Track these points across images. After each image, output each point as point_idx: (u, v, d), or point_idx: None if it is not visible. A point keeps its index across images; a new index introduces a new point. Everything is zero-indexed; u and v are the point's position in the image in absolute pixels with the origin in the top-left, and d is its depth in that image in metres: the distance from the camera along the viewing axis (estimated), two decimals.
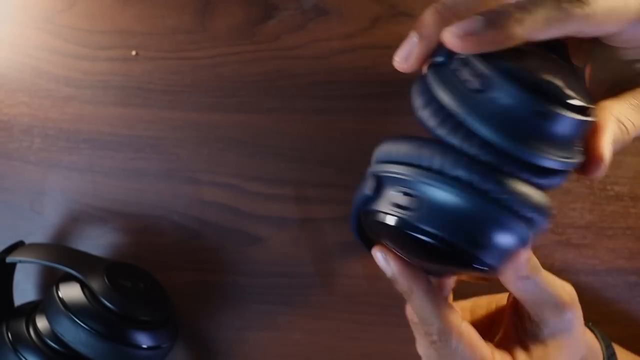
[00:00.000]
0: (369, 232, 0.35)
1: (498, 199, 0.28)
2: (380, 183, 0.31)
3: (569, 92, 0.29)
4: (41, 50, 0.55)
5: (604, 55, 0.34)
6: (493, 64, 0.28)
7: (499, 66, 0.28)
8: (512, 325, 0.38)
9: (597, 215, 0.50)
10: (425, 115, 0.30)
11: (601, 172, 0.30)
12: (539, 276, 0.34)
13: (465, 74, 0.29)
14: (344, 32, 0.52)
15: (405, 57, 0.31)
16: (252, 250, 0.54)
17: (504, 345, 0.37)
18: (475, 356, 0.34)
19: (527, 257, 0.33)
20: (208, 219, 0.54)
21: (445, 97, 0.29)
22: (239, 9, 0.53)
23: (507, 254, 0.31)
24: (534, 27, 0.28)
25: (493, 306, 0.43)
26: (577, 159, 0.30)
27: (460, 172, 0.28)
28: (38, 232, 0.56)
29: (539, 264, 0.34)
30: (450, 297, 0.40)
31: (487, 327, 0.41)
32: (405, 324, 0.47)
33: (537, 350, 0.35)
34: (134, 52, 0.54)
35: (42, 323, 0.49)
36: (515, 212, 0.29)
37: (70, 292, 0.48)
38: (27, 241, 0.53)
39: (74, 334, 0.47)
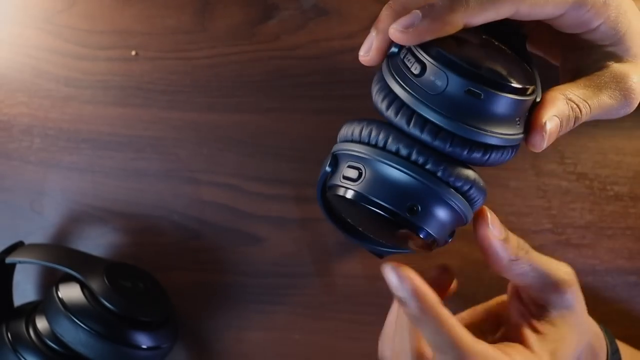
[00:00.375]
0: (337, 211, 0.38)
1: (433, 171, 0.32)
2: (336, 159, 0.35)
3: (500, 73, 0.31)
4: (41, 50, 0.55)
5: (568, 45, 0.36)
6: (430, 50, 0.31)
7: (435, 51, 0.31)
8: (519, 313, 0.38)
9: (597, 215, 0.50)
10: (378, 99, 0.33)
11: (543, 143, 0.32)
12: (531, 257, 0.36)
13: (409, 61, 0.32)
14: (344, 32, 0.52)
15: (366, 50, 0.34)
16: (252, 250, 0.54)
17: (513, 334, 0.37)
18: None
19: (487, 212, 0.35)
20: (208, 219, 0.54)
21: (391, 82, 0.32)
22: (238, 9, 0.53)
23: (443, 222, 0.33)
24: (469, 13, 0.30)
25: (493, 303, 0.43)
26: (516, 135, 0.32)
27: (399, 147, 0.32)
28: (38, 232, 0.56)
29: (527, 245, 0.36)
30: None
31: (493, 323, 0.41)
32: None
33: (549, 332, 0.36)
34: (133, 52, 0.54)
35: (41, 323, 0.49)
36: (448, 183, 0.32)
37: (70, 292, 0.48)
38: (27, 241, 0.53)
39: (74, 335, 0.47)
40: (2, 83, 0.56)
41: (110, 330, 0.47)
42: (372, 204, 0.33)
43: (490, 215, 0.35)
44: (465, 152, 0.31)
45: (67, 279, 0.50)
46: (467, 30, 0.33)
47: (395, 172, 0.32)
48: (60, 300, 0.48)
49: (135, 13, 0.54)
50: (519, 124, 0.32)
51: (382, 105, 0.33)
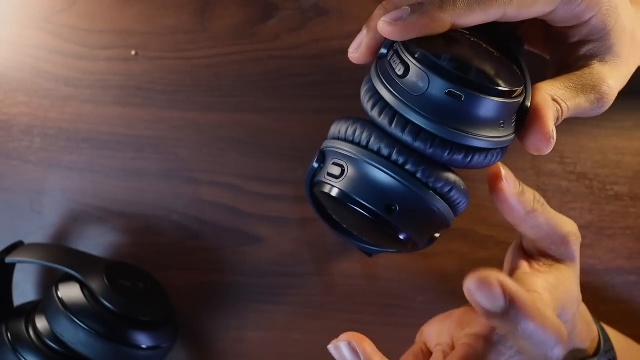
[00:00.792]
0: (326, 208, 0.38)
1: (412, 172, 0.32)
2: (324, 156, 0.35)
3: (483, 75, 0.31)
4: (41, 50, 0.55)
5: (555, 38, 0.37)
6: (414, 51, 0.31)
7: (419, 53, 0.31)
8: (526, 262, 0.39)
9: (597, 215, 0.50)
10: (364, 100, 0.33)
11: (549, 148, 0.32)
12: (545, 210, 0.37)
13: (394, 62, 0.32)
14: (344, 32, 0.52)
15: (356, 47, 0.34)
16: (252, 250, 0.54)
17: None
18: None
19: (502, 168, 0.35)
20: (208, 219, 0.54)
21: (377, 83, 0.33)
22: (238, 8, 0.53)
23: (422, 223, 0.34)
24: (457, 13, 0.31)
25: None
26: (500, 138, 0.32)
27: (380, 147, 0.32)
28: (38, 232, 0.56)
29: (543, 199, 0.37)
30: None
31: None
32: (404, 324, 0.47)
33: (551, 278, 0.37)
34: (133, 52, 0.54)
35: (41, 323, 0.49)
36: (427, 184, 0.32)
37: (70, 292, 0.48)
38: (26, 241, 0.53)
39: (74, 334, 0.47)
40: (2, 83, 0.56)
41: (110, 330, 0.47)
42: (352, 201, 0.33)
43: (504, 171, 0.35)
44: (446, 154, 0.31)
45: (67, 278, 0.50)
46: (457, 32, 0.33)
47: (374, 171, 0.32)
48: (60, 300, 0.48)
49: (135, 13, 0.54)
50: (502, 127, 0.32)
51: (368, 106, 0.33)
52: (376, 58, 0.34)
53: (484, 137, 0.31)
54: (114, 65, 0.54)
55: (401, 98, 0.31)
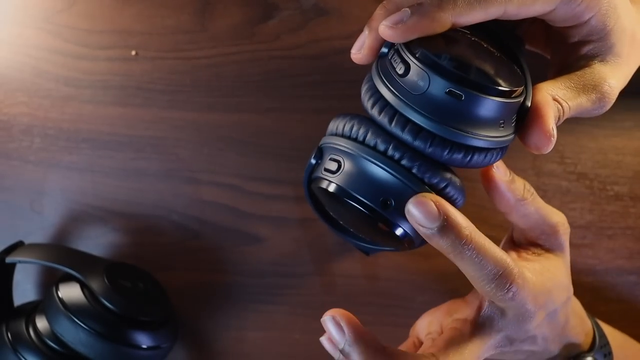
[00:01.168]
0: (323, 204, 0.38)
1: (408, 167, 0.32)
2: (321, 152, 0.35)
3: (483, 75, 0.31)
4: (41, 50, 0.55)
5: (556, 38, 0.37)
6: (415, 50, 0.31)
7: (419, 52, 0.31)
8: (514, 252, 0.40)
9: (597, 215, 0.50)
10: (365, 98, 0.33)
11: (550, 147, 0.33)
12: (535, 199, 0.38)
13: (395, 61, 0.32)
14: (344, 32, 0.52)
15: (358, 48, 0.34)
16: (252, 250, 0.54)
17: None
18: None
19: (499, 165, 0.36)
20: (208, 219, 0.54)
21: (378, 82, 0.33)
22: (238, 8, 0.53)
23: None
24: (457, 11, 0.31)
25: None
26: (500, 138, 0.32)
27: (377, 142, 0.32)
28: (38, 232, 0.56)
29: (533, 190, 0.38)
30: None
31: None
32: (404, 324, 0.47)
33: (537, 265, 0.38)
34: (133, 52, 0.54)
35: (42, 323, 0.49)
36: (422, 179, 0.32)
37: (70, 292, 0.48)
38: (27, 241, 0.53)
39: (74, 334, 0.47)
40: (2, 83, 0.56)
41: (110, 330, 0.47)
42: (348, 195, 0.33)
43: None
44: (445, 153, 0.31)
45: (67, 278, 0.50)
46: (457, 32, 0.33)
47: (370, 166, 0.32)
48: (60, 300, 0.48)
49: (135, 13, 0.54)
50: (502, 127, 0.32)
51: (368, 104, 0.33)
52: (377, 57, 0.34)
53: (484, 137, 0.32)
54: (114, 65, 0.54)
55: (401, 97, 0.31)
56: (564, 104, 0.34)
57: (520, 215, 0.38)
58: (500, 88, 0.31)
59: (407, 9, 0.31)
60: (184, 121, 0.54)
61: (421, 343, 0.43)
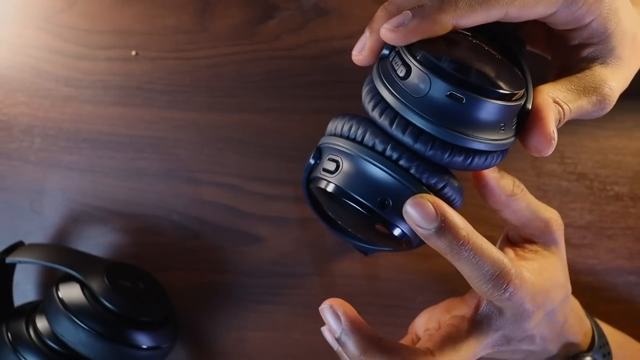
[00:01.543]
0: (322, 206, 0.38)
1: (406, 168, 0.32)
2: (320, 152, 0.35)
3: (484, 78, 0.31)
4: (41, 50, 0.55)
5: (557, 40, 0.37)
6: (416, 53, 0.31)
7: (420, 55, 0.31)
8: (511, 250, 0.40)
9: (597, 215, 0.50)
10: (365, 100, 0.33)
11: (550, 150, 0.33)
12: (525, 195, 0.38)
13: (396, 64, 0.32)
14: (344, 32, 0.52)
15: (359, 49, 0.34)
16: (252, 250, 0.54)
17: None
18: None
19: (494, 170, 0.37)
20: (208, 219, 0.54)
21: (379, 84, 0.33)
22: (238, 9, 0.53)
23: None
24: (458, 13, 0.31)
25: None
26: (501, 141, 0.32)
27: (375, 142, 0.32)
28: (38, 232, 0.56)
29: (523, 186, 0.38)
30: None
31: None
32: (404, 323, 0.47)
33: (535, 264, 0.38)
34: (133, 52, 0.54)
35: (42, 323, 0.49)
36: (420, 180, 0.32)
37: (70, 292, 0.48)
38: (27, 241, 0.53)
39: (74, 335, 0.47)
40: (2, 83, 0.56)
41: (110, 330, 0.47)
42: (346, 195, 0.33)
43: None
44: (446, 156, 0.32)
45: (67, 278, 0.50)
46: (459, 34, 0.33)
47: (368, 166, 0.33)
48: (60, 300, 0.48)
49: (135, 13, 0.54)
50: (503, 129, 0.32)
51: (369, 106, 0.33)
52: (379, 59, 0.34)
53: (484, 140, 0.32)
54: (114, 66, 0.54)
55: (402, 99, 0.31)
56: (565, 106, 0.34)
57: (511, 211, 0.38)
58: (501, 91, 0.31)
59: (408, 11, 0.31)
60: (184, 121, 0.54)
61: (419, 340, 0.43)
